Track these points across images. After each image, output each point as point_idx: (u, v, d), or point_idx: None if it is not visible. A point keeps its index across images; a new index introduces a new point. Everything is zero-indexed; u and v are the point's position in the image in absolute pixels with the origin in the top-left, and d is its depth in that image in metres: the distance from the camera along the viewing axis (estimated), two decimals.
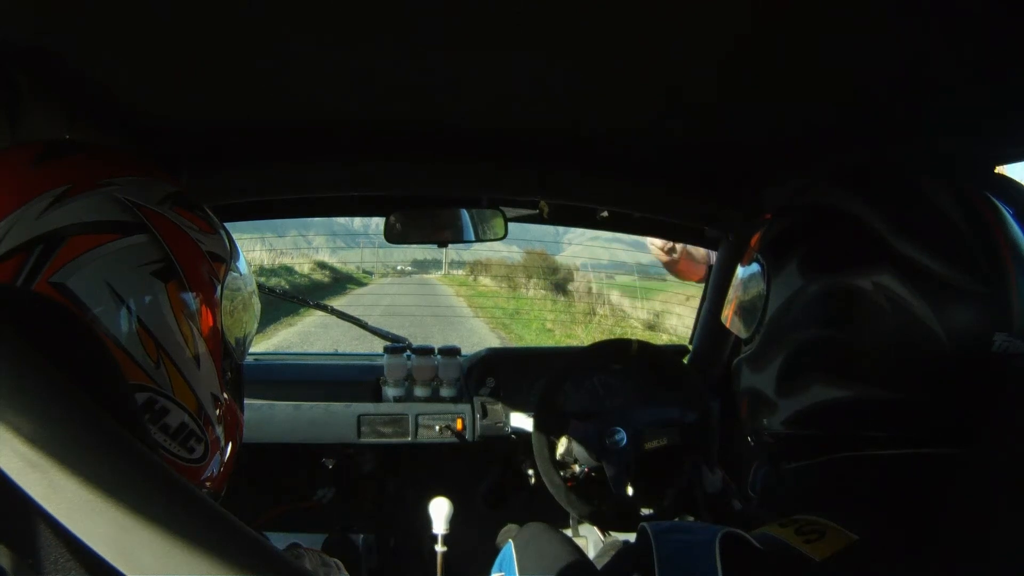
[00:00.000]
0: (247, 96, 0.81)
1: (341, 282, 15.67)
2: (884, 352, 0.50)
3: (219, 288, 0.53)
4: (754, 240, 0.62)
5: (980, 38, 0.57)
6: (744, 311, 0.62)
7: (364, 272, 18.70)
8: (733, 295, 0.66)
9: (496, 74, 0.73)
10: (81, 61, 0.66)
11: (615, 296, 12.22)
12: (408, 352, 1.45)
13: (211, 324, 0.51)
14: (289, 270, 14.18)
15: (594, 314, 10.81)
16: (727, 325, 0.67)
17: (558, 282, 13.84)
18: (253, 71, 0.72)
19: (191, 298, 0.49)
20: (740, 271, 0.64)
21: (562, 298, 12.94)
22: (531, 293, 13.52)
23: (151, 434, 0.46)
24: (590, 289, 13.18)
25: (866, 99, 0.75)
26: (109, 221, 0.46)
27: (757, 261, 0.60)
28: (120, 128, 0.85)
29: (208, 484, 0.52)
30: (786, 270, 0.56)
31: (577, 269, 14.54)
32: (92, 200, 0.46)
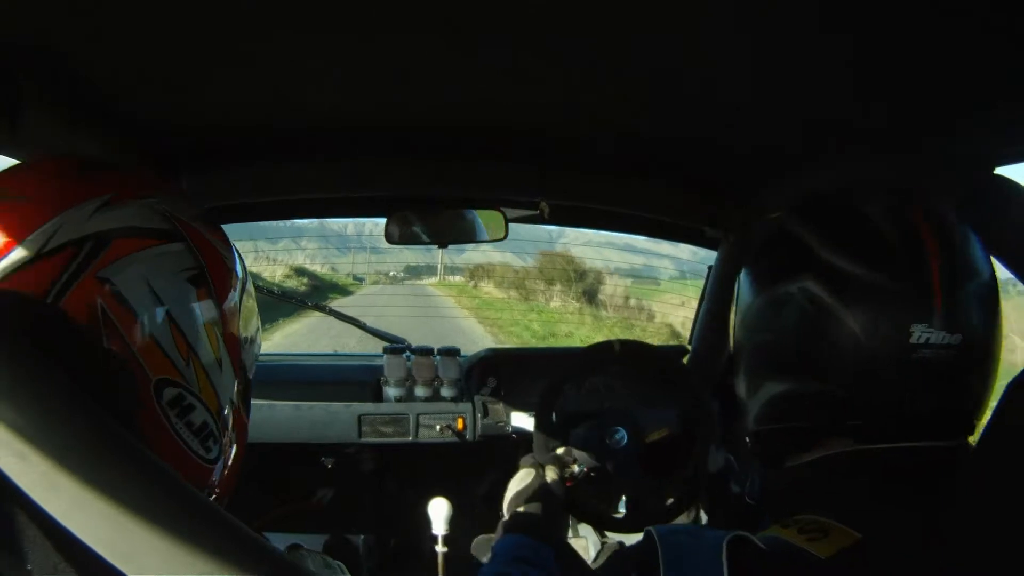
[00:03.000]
0: (247, 97, 0.81)
1: (322, 290, 14.06)
2: (809, 346, 0.55)
3: (239, 301, 0.56)
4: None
5: (980, 37, 0.58)
6: (726, 326, 0.69)
7: (355, 279, 17.80)
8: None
9: (496, 74, 0.73)
10: (81, 62, 0.66)
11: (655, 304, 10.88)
12: (408, 352, 1.45)
13: (230, 333, 0.55)
14: (255, 276, 13.24)
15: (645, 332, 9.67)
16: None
17: (589, 289, 12.22)
18: (253, 72, 0.72)
19: (217, 306, 0.53)
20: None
21: (602, 311, 11.49)
22: (556, 304, 11.99)
23: (177, 428, 0.49)
24: (627, 298, 11.60)
25: (865, 99, 0.75)
26: (151, 228, 0.50)
27: (736, 283, 0.67)
28: (120, 128, 0.85)
29: (217, 489, 0.55)
30: (744, 287, 0.64)
31: (612, 273, 13.14)
32: (135, 208, 0.50)
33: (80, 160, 0.53)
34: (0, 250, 0.44)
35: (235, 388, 0.56)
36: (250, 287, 0.61)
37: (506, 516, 0.94)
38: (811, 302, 0.55)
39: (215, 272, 0.53)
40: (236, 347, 0.56)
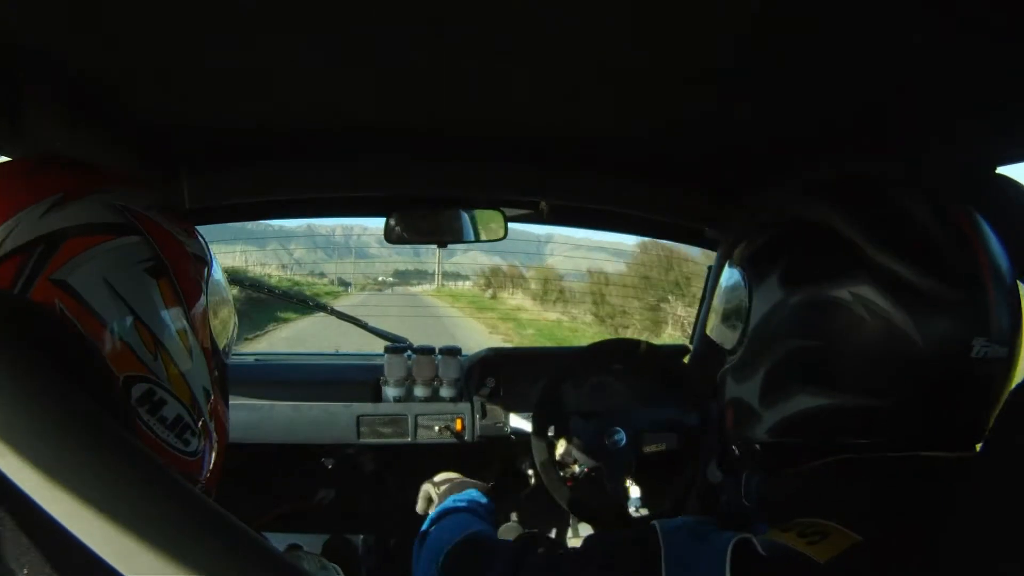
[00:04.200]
0: (247, 97, 0.81)
1: (272, 309, 9.83)
2: (864, 361, 0.51)
3: (204, 287, 0.55)
4: (736, 253, 0.64)
5: (980, 37, 0.58)
6: (727, 323, 0.63)
7: (341, 283, 15.79)
8: (717, 308, 0.67)
9: (497, 74, 0.73)
10: (82, 62, 0.66)
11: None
12: (409, 352, 1.45)
13: (199, 321, 0.54)
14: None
15: None
16: (712, 336, 0.68)
17: None
18: (253, 72, 0.72)
19: (181, 295, 0.52)
20: (722, 285, 0.66)
21: None
22: None
23: (150, 424, 0.48)
24: None
25: (866, 99, 0.75)
26: (103, 223, 0.48)
27: (739, 274, 0.61)
28: (120, 128, 0.85)
29: (203, 481, 0.54)
30: (767, 282, 0.57)
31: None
32: (85, 204, 0.48)
33: (30, 161, 0.52)
34: None
35: (209, 376, 0.55)
36: (217, 270, 0.59)
37: (438, 496, 0.97)
38: (868, 310, 0.50)
39: (175, 260, 0.52)
40: (206, 335, 0.55)
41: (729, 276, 0.64)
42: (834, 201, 0.56)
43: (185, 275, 0.53)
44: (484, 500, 0.91)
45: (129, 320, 0.48)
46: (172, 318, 0.51)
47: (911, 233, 0.51)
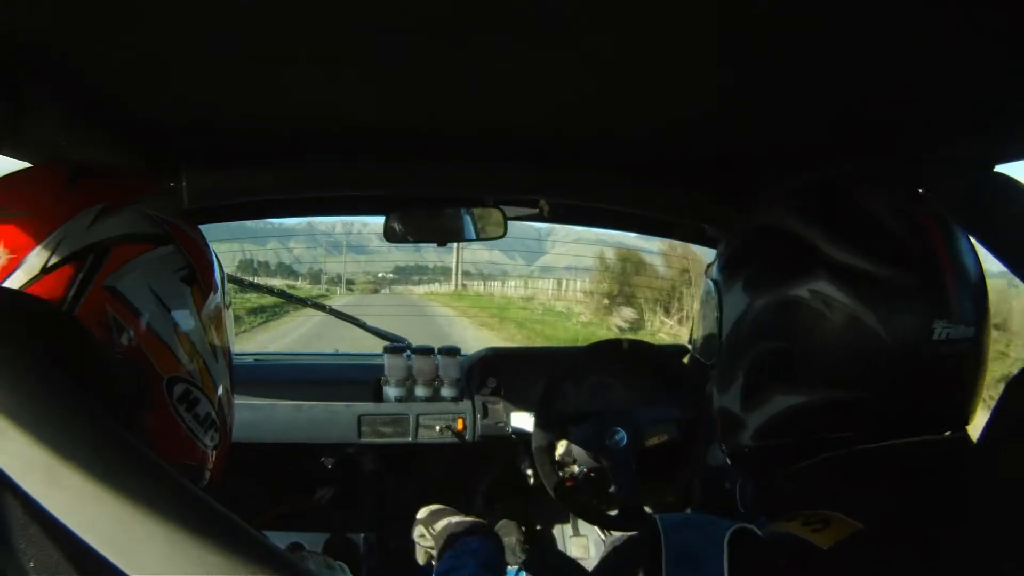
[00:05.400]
0: (247, 97, 0.81)
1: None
2: (829, 354, 0.52)
3: (221, 290, 0.60)
4: (708, 267, 0.66)
5: (980, 37, 0.58)
6: (706, 336, 0.65)
7: (332, 283, 15.19)
8: (697, 321, 0.69)
9: (497, 75, 0.73)
10: (81, 62, 0.66)
11: None
12: (408, 352, 1.45)
13: (221, 323, 0.58)
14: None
15: None
16: (696, 353, 0.69)
17: None
18: (253, 73, 0.72)
19: (209, 300, 0.57)
20: (700, 298, 0.68)
21: None
22: None
23: (187, 421, 0.53)
24: None
25: (865, 99, 0.75)
26: (143, 233, 0.53)
27: (711, 285, 0.63)
28: (120, 128, 0.85)
29: (211, 471, 0.58)
30: (734, 290, 0.59)
31: None
32: (127, 215, 0.52)
33: (68, 168, 0.55)
34: (3, 269, 0.46)
35: (227, 373, 0.59)
36: (224, 273, 0.64)
37: (435, 538, 0.92)
38: (827, 305, 0.52)
39: (201, 268, 0.56)
40: (225, 336, 0.59)
41: (703, 289, 0.66)
42: (794, 205, 0.58)
43: (209, 281, 0.57)
44: (486, 544, 0.86)
45: (171, 325, 0.52)
46: (202, 323, 0.55)
47: (864, 225, 0.53)
